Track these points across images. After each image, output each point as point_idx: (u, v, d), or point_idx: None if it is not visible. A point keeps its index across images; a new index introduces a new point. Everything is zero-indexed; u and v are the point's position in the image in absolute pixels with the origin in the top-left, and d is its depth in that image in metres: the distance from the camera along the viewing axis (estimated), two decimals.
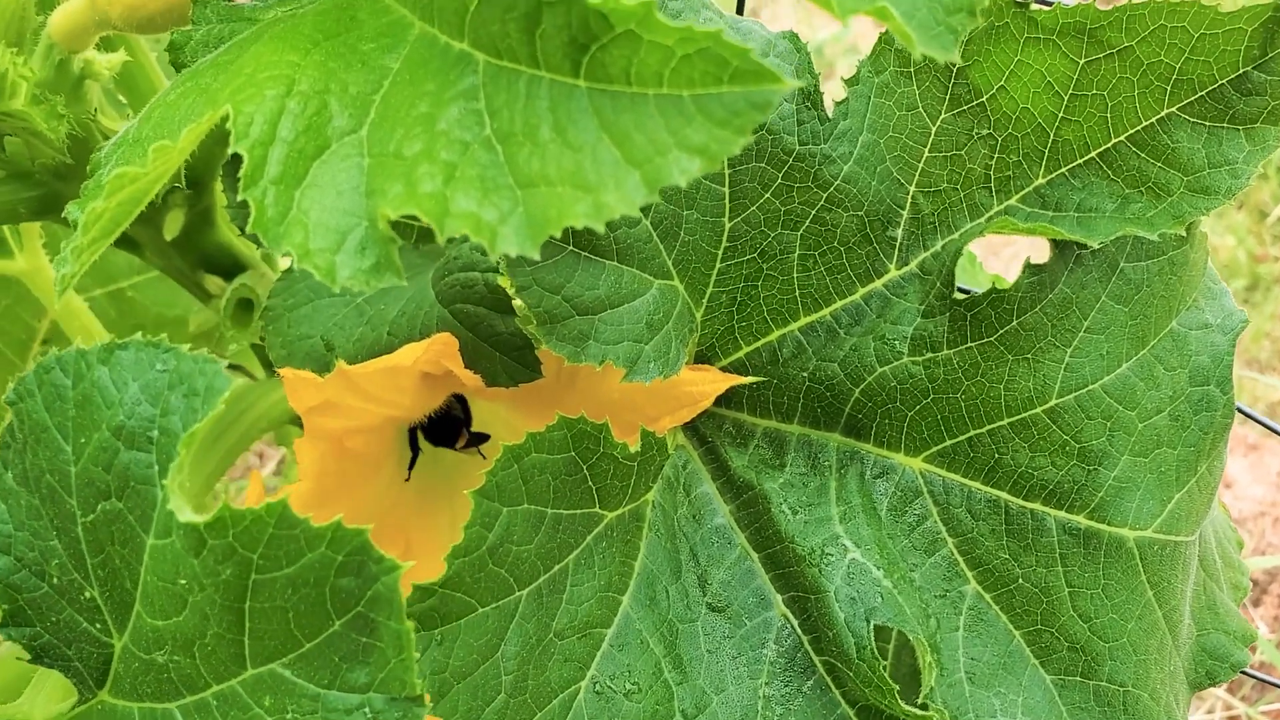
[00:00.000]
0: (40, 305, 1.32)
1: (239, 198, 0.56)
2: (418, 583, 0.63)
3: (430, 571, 0.81)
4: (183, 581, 0.57)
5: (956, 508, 0.84)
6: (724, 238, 0.82)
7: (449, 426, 0.89)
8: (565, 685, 0.70)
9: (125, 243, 1.02)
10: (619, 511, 0.75)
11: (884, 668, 0.77)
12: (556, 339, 0.71)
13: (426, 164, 0.51)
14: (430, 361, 0.74)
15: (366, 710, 0.57)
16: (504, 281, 0.77)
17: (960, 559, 0.83)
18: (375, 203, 0.53)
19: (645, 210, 0.76)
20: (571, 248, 0.73)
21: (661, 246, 0.78)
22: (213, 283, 1.04)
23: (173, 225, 0.98)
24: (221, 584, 0.55)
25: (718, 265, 0.82)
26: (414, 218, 0.51)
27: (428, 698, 0.59)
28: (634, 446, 0.72)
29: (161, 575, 0.58)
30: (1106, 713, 0.82)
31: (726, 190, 0.81)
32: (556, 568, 0.70)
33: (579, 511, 0.71)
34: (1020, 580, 0.83)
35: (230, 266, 1.05)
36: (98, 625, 0.64)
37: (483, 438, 0.89)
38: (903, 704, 0.75)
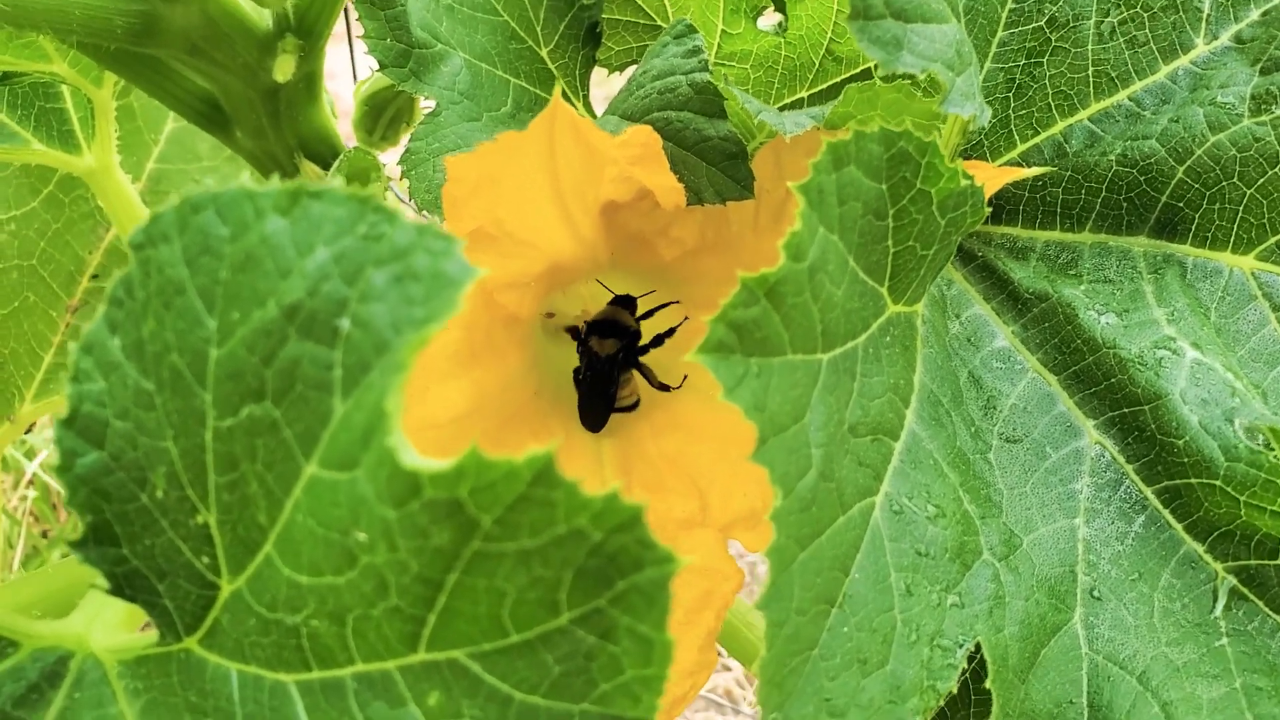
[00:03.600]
0: (94, 235, 1.12)
1: None
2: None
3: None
4: (360, 536, 0.37)
5: None
6: None
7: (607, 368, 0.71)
8: (860, 494, 0.53)
9: (219, 124, 0.84)
10: (898, 308, 0.57)
11: (1275, 455, 0.60)
12: (869, 40, 0.53)
13: None
14: (622, 176, 0.57)
15: None
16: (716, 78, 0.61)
17: None
18: None
19: None
20: None
21: None
22: (309, 170, 0.85)
23: (284, 68, 0.78)
24: (429, 549, 0.36)
25: (1000, 32, 0.66)
26: None
27: None
28: (959, 179, 0.54)
29: (323, 519, 0.38)
30: None
31: None
32: (849, 344, 0.53)
33: (870, 283, 0.54)
34: None
35: (328, 154, 0.90)
36: (204, 559, 0.44)
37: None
38: None
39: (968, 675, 0.53)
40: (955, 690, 0.53)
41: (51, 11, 0.70)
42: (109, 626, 0.52)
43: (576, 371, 0.70)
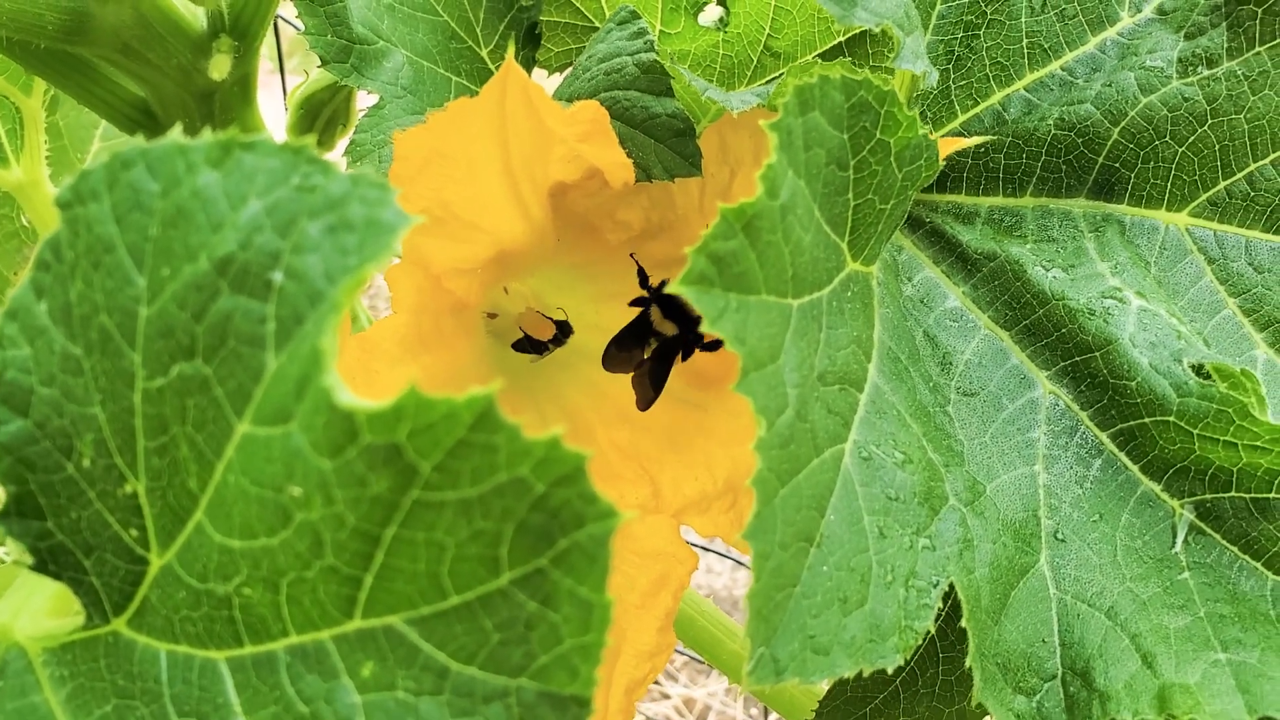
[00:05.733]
0: (20, 255, 1.10)
1: None
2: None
3: None
4: (296, 490, 0.36)
5: (1234, 261, 0.68)
6: None
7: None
8: (831, 440, 0.53)
9: (151, 130, 0.83)
10: (856, 266, 0.58)
11: (1223, 388, 0.61)
12: None
13: None
14: (571, 155, 0.57)
15: (513, 701, 0.38)
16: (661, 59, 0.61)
17: (1245, 320, 0.68)
18: None
19: None
20: None
21: None
22: None
23: (220, 66, 0.77)
24: (366, 499, 0.35)
25: (939, 5, 0.68)
26: None
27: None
28: (917, 128, 0.55)
29: (256, 477, 0.37)
30: None
31: None
32: (816, 294, 0.54)
33: (832, 237, 0.54)
34: None
35: None
36: (133, 532, 0.42)
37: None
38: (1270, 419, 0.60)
39: (934, 634, 0.53)
40: (932, 630, 0.53)
41: None
42: (34, 615, 0.50)
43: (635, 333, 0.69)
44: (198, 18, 0.77)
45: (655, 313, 0.67)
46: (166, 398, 0.39)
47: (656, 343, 0.67)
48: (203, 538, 0.41)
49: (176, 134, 0.39)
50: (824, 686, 0.71)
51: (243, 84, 0.83)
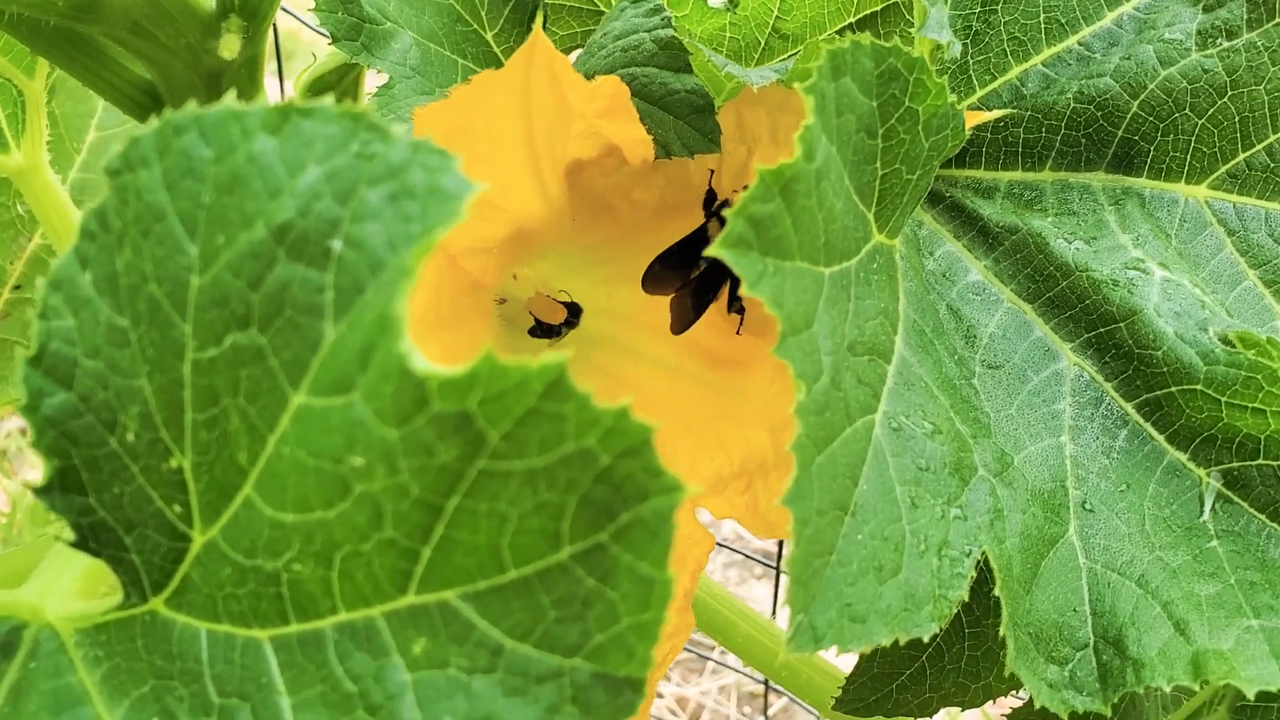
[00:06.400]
0: (16, 244, 1.08)
1: None
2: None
3: None
4: (357, 461, 0.35)
5: (1254, 233, 0.68)
6: None
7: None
8: (863, 410, 0.53)
9: (157, 114, 0.81)
10: (881, 238, 0.57)
11: (1250, 355, 0.61)
12: None
13: None
14: (590, 131, 0.56)
15: (566, 682, 0.37)
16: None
17: (1266, 292, 0.68)
18: None
19: None
20: None
21: None
22: None
23: (230, 46, 0.76)
24: (432, 469, 0.34)
25: None
26: None
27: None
28: (945, 96, 0.55)
29: (314, 449, 0.37)
30: None
31: None
32: (845, 264, 0.53)
33: (859, 207, 0.54)
34: None
35: None
36: (176, 508, 0.42)
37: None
38: None
39: (960, 609, 0.53)
40: (965, 599, 0.53)
41: None
42: (65, 595, 0.49)
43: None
44: None
45: (714, 226, 0.66)
46: (218, 368, 0.39)
47: (704, 265, 0.66)
48: (251, 512, 0.40)
49: (230, 99, 0.38)
50: (844, 670, 0.71)
51: (250, 66, 0.82)
